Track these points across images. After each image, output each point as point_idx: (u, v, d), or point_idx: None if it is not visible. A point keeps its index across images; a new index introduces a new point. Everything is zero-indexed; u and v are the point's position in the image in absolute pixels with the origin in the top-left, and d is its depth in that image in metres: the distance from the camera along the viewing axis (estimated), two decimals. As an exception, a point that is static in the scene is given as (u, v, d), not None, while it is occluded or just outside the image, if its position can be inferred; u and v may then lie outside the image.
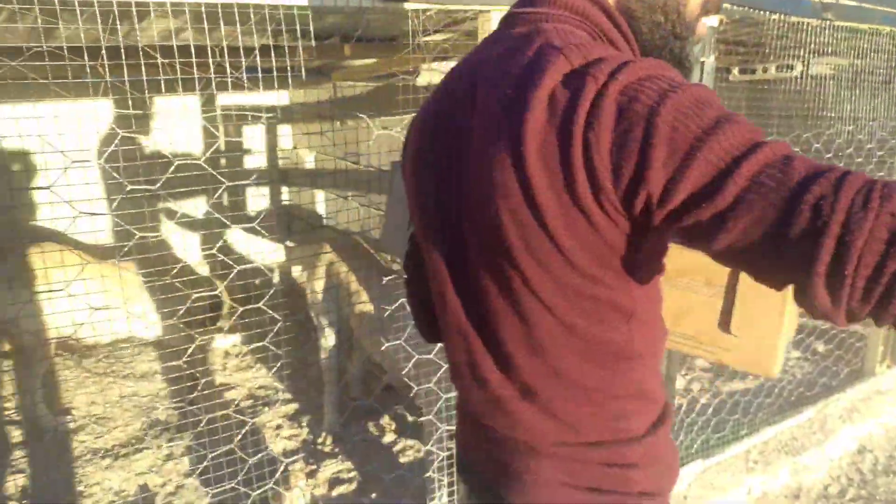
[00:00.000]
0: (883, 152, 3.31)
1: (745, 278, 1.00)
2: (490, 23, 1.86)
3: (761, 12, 2.51)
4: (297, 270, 3.76)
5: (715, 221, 0.64)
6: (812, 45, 3.12)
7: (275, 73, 1.70)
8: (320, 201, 4.73)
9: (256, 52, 1.70)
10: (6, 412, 3.19)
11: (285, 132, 4.85)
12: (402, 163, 1.02)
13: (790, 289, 0.66)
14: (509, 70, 0.77)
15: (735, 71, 3.58)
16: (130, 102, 1.51)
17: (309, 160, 4.60)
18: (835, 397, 3.49)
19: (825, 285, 0.60)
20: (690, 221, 0.66)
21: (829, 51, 3.09)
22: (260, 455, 2.23)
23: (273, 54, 1.76)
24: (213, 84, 1.57)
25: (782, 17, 2.60)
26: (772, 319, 1.03)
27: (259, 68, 1.59)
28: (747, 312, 1.03)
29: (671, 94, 0.66)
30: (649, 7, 0.84)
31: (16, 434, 3.03)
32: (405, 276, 1.13)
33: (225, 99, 4.36)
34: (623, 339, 0.83)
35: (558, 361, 0.84)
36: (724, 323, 1.06)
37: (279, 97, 4.56)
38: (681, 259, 1.01)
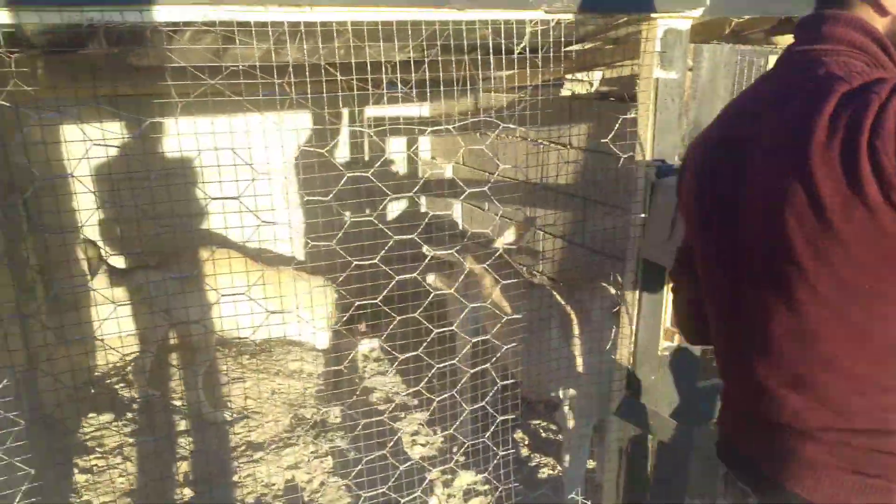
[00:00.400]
0: None
1: None
2: (656, 30, 1.78)
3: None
4: (432, 278, 3.83)
5: None
6: None
7: (428, 87, 1.73)
8: (458, 212, 4.79)
9: (425, 65, 1.75)
10: (175, 403, 3.51)
11: (425, 146, 4.97)
12: (677, 187, 1.20)
13: None
14: (794, 101, 0.90)
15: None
16: (311, 117, 1.60)
17: (448, 171, 4.68)
18: None
19: None
20: None
21: None
22: (410, 463, 2.27)
23: (426, 67, 1.79)
24: (385, 98, 1.62)
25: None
26: None
27: (414, 82, 1.62)
28: None
29: None
30: None
31: (181, 424, 3.31)
32: (672, 285, 1.30)
33: (371, 111, 4.53)
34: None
35: (831, 351, 0.94)
36: None
37: (421, 109, 4.67)
38: None
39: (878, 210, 0.81)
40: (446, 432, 3.14)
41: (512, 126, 1.81)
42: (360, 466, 2.00)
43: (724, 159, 1.03)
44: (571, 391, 2.41)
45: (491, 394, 1.96)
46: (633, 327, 2.00)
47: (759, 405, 1.05)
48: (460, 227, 4.67)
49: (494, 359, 3.13)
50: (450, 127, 1.72)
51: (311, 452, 3.02)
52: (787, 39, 2.98)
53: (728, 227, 1.03)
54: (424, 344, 1.76)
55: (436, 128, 1.83)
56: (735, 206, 1.00)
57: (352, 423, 3.22)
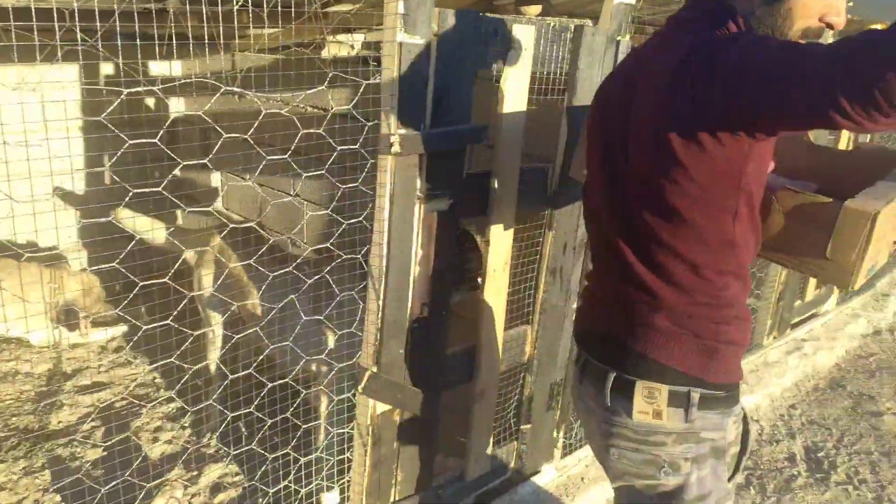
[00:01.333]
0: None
1: (843, 219, 1.35)
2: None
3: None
4: (190, 254, 3.46)
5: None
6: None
7: (171, 41, 1.47)
8: (216, 182, 4.39)
9: (170, 16, 1.46)
10: None
11: (178, 105, 4.45)
12: (586, 118, 1.50)
13: (878, 224, 1.30)
14: (668, 48, 1.21)
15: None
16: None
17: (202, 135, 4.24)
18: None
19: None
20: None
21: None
22: (133, 466, 2.00)
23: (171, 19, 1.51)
24: (81, 53, 1.32)
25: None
26: (859, 247, 1.35)
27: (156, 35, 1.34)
28: (840, 243, 1.37)
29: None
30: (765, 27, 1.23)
31: None
32: (583, 199, 1.52)
33: (109, 69, 3.92)
34: (729, 231, 1.22)
35: (680, 245, 1.23)
36: (821, 249, 1.39)
37: (172, 67, 4.16)
38: (793, 200, 1.42)
39: (697, 131, 1.12)
40: (196, 428, 2.87)
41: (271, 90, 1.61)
42: (78, 476, 1.70)
43: (618, 91, 1.34)
44: (324, 369, 2.31)
45: (242, 376, 1.78)
46: (380, 302, 1.94)
47: (624, 289, 1.34)
48: (220, 199, 4.29)
49: (244, 337, 2.90)
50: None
51: (23, 469, 2.57)
52: (534, 10, 3.11)
53: (617, 142, 1.31)
54: (168, 327, 1.52)
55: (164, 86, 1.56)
56: (625, 126, 1.28)
57: (79, 427, 2.80)
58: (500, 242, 2.25)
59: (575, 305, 2.60)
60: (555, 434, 2.76)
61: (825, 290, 4.31)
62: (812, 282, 4.13)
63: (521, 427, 2.64)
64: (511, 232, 2.27)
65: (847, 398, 3.65)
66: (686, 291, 1.26)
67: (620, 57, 2.35)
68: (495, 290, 2.30)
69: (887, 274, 5.09)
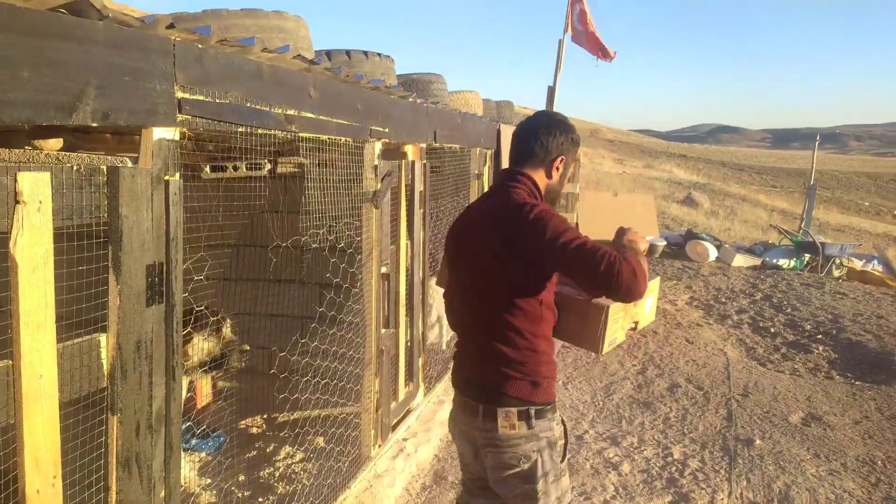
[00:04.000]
0: (351, 249, 3.51)
1: (588, 310, 2.33)
2: None
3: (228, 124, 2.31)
4: None
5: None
6: (278, 148, 3.11)
7: None
8: None
9: None
10: None
11: None
12: (445, 242, 2.47)
13: (611, 313, 2.29)
14: (497, 200, 2.25)
15: (207, 169, 3.37)
16: None
17: None
18: (341, 498, 3.48)
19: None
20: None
21: (295, 152, 3.14)
22: None
23: None
24: None
25: (249, 129, 2.46)
26: (601, 327, 2.28)
27: None
28: (590, 324, 2.32)
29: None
30: (552, 193, 2.35)
31: None
32: (444, 293, 2.52)
33: None
34: (538, 311, 2.19)
35: (514, 321, 2.17)
36: (580, 329, 2.36)
37: None
38: (565, 297, 2.35)
39: (516, 260, 2.13)
40: None
41: None
42: None
43: (463, 225, 2.36)
44: None
45: None
46: None
47: (482, 352, 2.24)
48: None
49: None
50: None
51: None
52: (54, 143, 2.60)
53: (465, 257, 2.31)
54: None
55: None
56: (470, 249, 2.28)
57: None
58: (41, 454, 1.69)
59: (163, 494, 2.14)
60: None
61: (413, 387, 4.62)
62: (402, 381, 4.37)
63: None
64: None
65: (451, 489, 3.88)
66: (519, 348, 2.18)
67: (174, 197, 2.08)
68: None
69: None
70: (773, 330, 7.51)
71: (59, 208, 1.74)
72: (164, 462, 2.15)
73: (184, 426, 3.38)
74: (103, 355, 1.99)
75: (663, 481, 4.08)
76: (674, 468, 4.25)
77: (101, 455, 1.96)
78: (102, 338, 1.99)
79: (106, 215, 1.91)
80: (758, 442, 4.65)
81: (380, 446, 4.00)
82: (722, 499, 3.91)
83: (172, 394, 2.17)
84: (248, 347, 3.15)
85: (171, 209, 2.08)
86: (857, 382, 5.98)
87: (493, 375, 2.20)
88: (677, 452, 4.46)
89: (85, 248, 1.91)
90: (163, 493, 2.15)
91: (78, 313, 1.91)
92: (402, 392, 4.40)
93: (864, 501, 3.90)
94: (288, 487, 3.63)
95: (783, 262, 11.08)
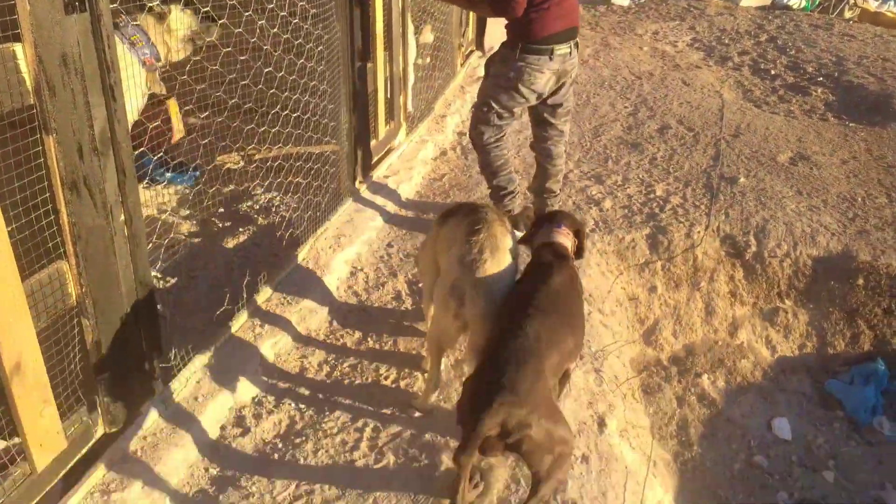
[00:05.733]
0: None
1: None
2: None
3: None
4: None
5: None
6: None
7: None
8: None
9: None
10: None
11: None
12: None
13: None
14: None
15: None
16: None
17: None
18: (322, 229, 3.51)
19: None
20: None
21: None
22: None
23: None
24: None
25: None
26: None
27: None
28: None
29: None
30: None
31: None
32: None
33: None
34: None
35: None
36: None
37: None
38: None
39: None
40: None
41: None
42: None
43: None
44: None
45: None
46: None
47: (574, 7, 3.26)
48: None
49: None
50: None
51: None
52: None
53: None
54: None
55: None
56: None
57: None
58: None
59: (123, 218, 2.08)
60: (147, 366, 2.32)
61: (394, 125, 4.45)
62: (382, 119, 4.19)
63: (98, 378, 2.13)
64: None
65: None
66: None
67: None
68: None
69: (441, 97, 5.52)
70: (773, 72, 7.17)
71: None
72: (119, 186, 2.05)
73: (156, 158, 3.28)
74: (23, 68, 1.77)
75: (643, 216, 4.12)
76: (654, 204, 4.27)
77: (44, 177, 1.84)
78: (18, 48, 1.76)
79: None
80: (742, 180, 4.64)
81: (360, 182, 3.96)
82: (699, 231, 3.99)
83: (115, 115, 1.99)
84: (222, 20, 2.92)
85: None
86: (850, 124, 5.83)
87: (578, 21, 3.26)
88: (660, 190, 4.46)
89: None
90: (122, 217, 2.08)
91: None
92: (383, 131, 4.25)
93: (838, 234, 3.99)
94: (267, 220, 3.64)
95: (793, 2, 10.27)
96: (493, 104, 3.29)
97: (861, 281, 3.78)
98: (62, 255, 1.95)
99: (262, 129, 3.07)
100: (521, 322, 2.01)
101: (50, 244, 1.91)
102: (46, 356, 1.92)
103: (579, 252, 2.51)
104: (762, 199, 4.38)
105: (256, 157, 4.21)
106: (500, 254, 2.28)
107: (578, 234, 2.50)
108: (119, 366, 2.16)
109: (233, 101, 2.80)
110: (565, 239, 2.42)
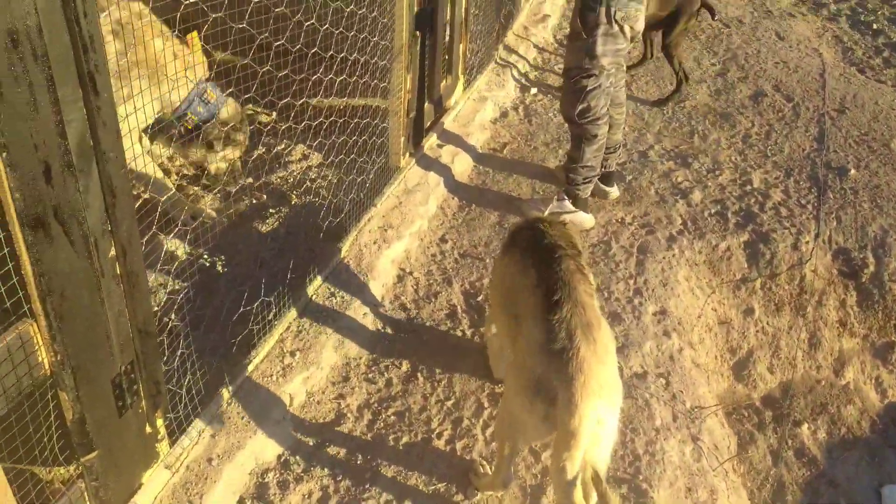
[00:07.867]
0: None
1: None
2: None
3: None
4: None
5: None
6: None
7: None
8: None
9: None
10: None
11: None
12: None
13: None
14: None
15: None
16: None
17: None
18: (367, 217, 2.91)
19: None
20: None
21: None
22: None
23: None
24: None
25: None
26: None
27: None
28: None
29: None
30: None
31: None
32: None
33: None
34: None
35: None
36: None
37: None
38: None
39: None
40: None
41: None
42: None
43: None
44: None
45: None
46: None
47: None
48: None
49: None
50: None
51: None
52: None
53: None
54: None
55: None
56: None
57: None
58: None
59: (112, 253, 1.50)
60: (149, 429, 1.80)
61: (451, 80, 3.75)
62: (438, 75, 3.50)
63: (83, 460, 1.62)
64: None
65: (493, 211, 3.29)
66: None
67: None
68: None
69: (501, 42, 4.75)
70: (875, 27, 6.23)
71: None
72: (107, 211, 1.47)
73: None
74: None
75: (739, 216, 3.47)
76: (752, 199, 3.61)
77: (-3, 212, 1.27)
78: None
79: None
80: (852, 172, 3.93)
81: (410, 154, 3.32)
82: (807, 241, 3.34)
83: (99, 114, 1.38)
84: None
85: None
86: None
87: None
88: (757, 180, 3.78)
89: None
90: (112, 252, 1.51)
91: None
92: (438, 89, 3.56)
93: (974, 256, 3.33)
94: (303, 200, 3.02)
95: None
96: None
97: None
98: (27, 314, 1.39)
99: (302, 76, 2.42)
100: None
101: (8, 303, 1.35)
102: (9, 450, 1.40)
103: None
104: (878, 201, 3.69)
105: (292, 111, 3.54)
106: (597, 332, 1.68)
107: None
108: (111, 440, 1.65)
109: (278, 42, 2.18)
110: None
